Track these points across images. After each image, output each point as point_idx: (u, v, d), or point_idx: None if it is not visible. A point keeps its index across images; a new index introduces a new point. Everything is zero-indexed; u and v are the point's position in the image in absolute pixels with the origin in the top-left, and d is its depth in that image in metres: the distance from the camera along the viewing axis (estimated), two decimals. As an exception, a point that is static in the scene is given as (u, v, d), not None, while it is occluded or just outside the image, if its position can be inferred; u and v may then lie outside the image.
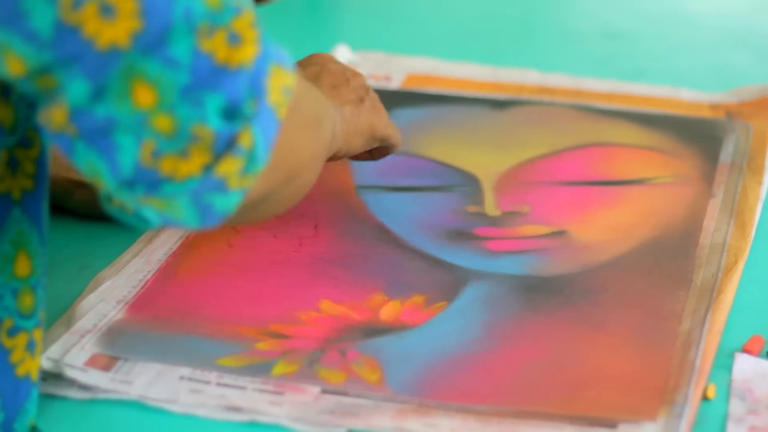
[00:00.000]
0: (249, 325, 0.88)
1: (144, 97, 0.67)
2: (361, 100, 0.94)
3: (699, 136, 1.12)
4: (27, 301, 0.78)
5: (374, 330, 0.88)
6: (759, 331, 0.88)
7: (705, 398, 0.82)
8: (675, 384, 0.82)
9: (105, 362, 0.85)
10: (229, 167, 0.71)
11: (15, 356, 0.77)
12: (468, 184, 1.06)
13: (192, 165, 0.70)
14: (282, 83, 0.73)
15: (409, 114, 1.18)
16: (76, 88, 0.66)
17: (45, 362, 0.84)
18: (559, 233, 0.99)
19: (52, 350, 0.85)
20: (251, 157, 0.71)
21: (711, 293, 0.91)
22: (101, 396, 0.82)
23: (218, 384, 0.83)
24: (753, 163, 1.08)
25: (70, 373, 0.83)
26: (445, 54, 1.29)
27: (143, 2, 0.66)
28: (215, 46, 0.68)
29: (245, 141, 0.71)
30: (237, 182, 0.72)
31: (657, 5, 1.43)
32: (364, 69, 1.26)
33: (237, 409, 0.81)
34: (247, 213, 0.78)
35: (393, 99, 1.21)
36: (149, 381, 0.83)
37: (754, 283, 0.93)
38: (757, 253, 0.97)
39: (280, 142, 0.74)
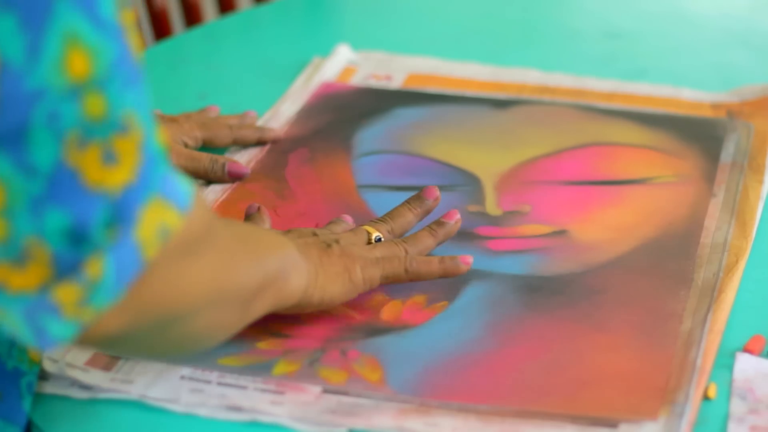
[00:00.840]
0: (250, 325, 0.88)
1: None
2: (329, 246, 0.88)
3: (700, 135, 1.12)
4: None
5: (375, 329, 0.88)
6: (760, 331, 0.88)
7: (706, 398, 0.82)
8: (676, 383, 0.82)
9: (106, 362, 0.85)
10: (67, 294, 0.64)
11: None
12: (469, 183, 1.06)
13: (27, 280, 0.63)
14: (160, 221, 0.66)
15: (410, 113, 1.18)
16: None
17: (45, 362, 0.84)
18: (560, 233, 0.99)
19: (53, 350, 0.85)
20: (96, 290, 0.64)
21: (712, 293, 0.91)
22: (102, 395, 0.83)
23: (219, 383, 0.83)
24: (754, 162, 1.08)
25: (71, 372, 0.83)
26: (446, 53, 1.29)
27: (3, 91, 0.60)
28: (86, 161, 0.62)
29: (92, 270, 0.64)
30: (72, 312, 0.64)
31: (658, 5, 1.43)
32: (365, 68, 1.26)
33: (238, 409, 0.81)
34: (114, 347, 0.72)
35: (394, 98, 1.21)
36: (150, 380, 0.83)
37: (755, 282, 0.93)
38: (758, 252, 0.97)
39: (150, 284, 0.66)
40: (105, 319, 0.66)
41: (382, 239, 0.92)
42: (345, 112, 1.18)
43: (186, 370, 0.84)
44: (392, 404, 0.81)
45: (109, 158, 0.63)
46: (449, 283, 0.93)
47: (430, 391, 0.82)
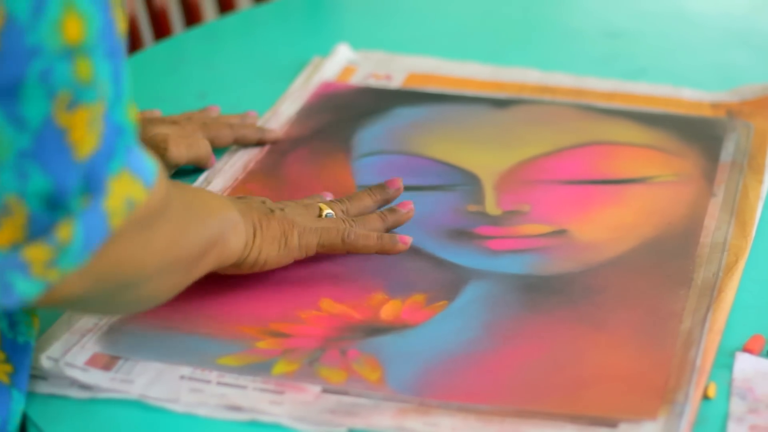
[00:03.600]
0: (249, 324, 0.89)
1: None
2: (271, 211, 0.91)
3: (700, 135, 1.12)
4: None
5: (375, 329, 0.88)
6: (759, 330, 0.88)
7: (705, 397, 0.82)
8: (675, 383, 0.82)
9: (105, 361, 0.85)
10: (37, 254, 0.67)
11: None
12: (469, 183, 1.06)
13: (1, 237, 0.66)
14: (127, 193, 0.69)
15: (409, 113, 1.18)
16: None
17: (45, 361, 0.84)
18: (560, 232, 0.99)
19: (53, 349, 0.85)
20: (64, 252, 0.68)
21: (711, 292, 0.91)
22: (102, 395, 0.83)
23: (219, 383, 0.83)
24: (754, 162, 1.08)
25: (71, 372, 0.83)
26: (446, 53, 1.29)
27: (3, 44, 0.63)
28: (73, 122, 0.65)
29: (63, 234, 0.67)
30: (41, 271, 0.68)
31: (658, 4, 1.43)
32: (365, 68, 1.26)
33: (237, 409, 0.81)
34: (68, 306, 0.76)
35: (394, 98, 1.21)
36: (150, 380, 0.83)
37: (755, 282, 0.93)
38: (757, 252, 0.97)
39: (112, 252, 0.70)
40: (68, 281, 0.69)
41: (333, 216, 0.95)
42: (345, 112, 1.18)
43: (185, 370, 0.84)
44: (392, 404, 0.81)
45: (94, 123, 0.66)
46: (449, 283, 0.93)
47: (429, 391, 0.82)
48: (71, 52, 0.65)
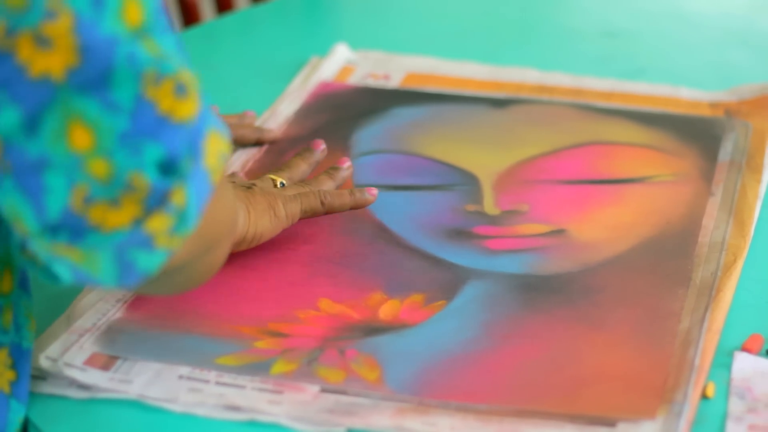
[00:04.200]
0: (248, 324, 0.89)
1: (80, 138, 0.66)
2: (249, 187, 0.94)
3: (698, 134, 1.12)
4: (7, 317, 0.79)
5: (373, 329, 0.88)
6: (758, 330, 0.88)
7: (704, 397, 0.82)
8: (674, 383, 0.82)
9: (104, 361, 0.85)
10: (159, 224, 0.69)
11: None
12: (467, 182, 1.06)
13: (122, 216, 0.68)
14: (219, 149, 0.72)
15: (408, 113, 1.18)
16: (6, 116, 0.65)
17: (44, 361, 0.84)
18: (559, 232, 0.99)
19: (51, 349, 0.85)
20: (182, 218, 0.70)
21: (710, 292, 0.91)
22: (100, 395, 0.82)
23: (217, 383, 0.83)
24: (752, 161, 1.08)
25: (69, 372, 0.83)
26: (444, 53, 1.29)
27: (82, 39, 0.65)
28: (161, 94, 0.67)
29: (178, 199, 0.69)
30: (165, 241, 0.70)
31: (656, 4, 1.43)
32: (363, 68, 1.26)
33: (236, 408, 0.81)
34: (161, 281, 0.76)
35: (392, 98, 1.21)
36: (148, 380, 0.83)
37: (753, 281, 0.93)
38: (756, 251, 0.97)
39: (208, 210, 0.73)
40: (184, 246, 0.72)
41: (286, 185, 0.99)
42: (343, 112, 1.18)
43: (184, 370, 0.84)
44: (390, 403, 0.81)
45: (181, 90, 0.68)
46: (447, 283, 0.93)
47: (428, 391, 0.82)
48: (138, 34, 0.67)
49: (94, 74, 0.65)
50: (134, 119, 0.67)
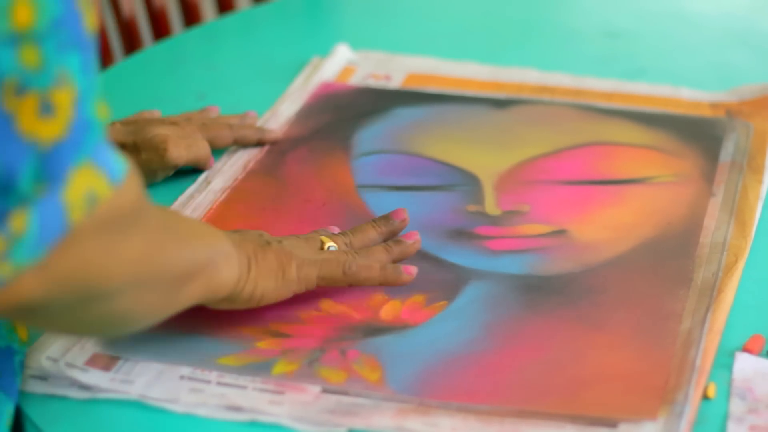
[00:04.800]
0: (249, 324, 0.88)
1: None
2: (268, 243, 0.88)
3: (699, 135, 1.12)
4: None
5: (374, 329, 0.88)
6: (759, 330, 0.88)
7: (705, 397, 0.82)
8: (675, 383, 0.82)
9: (105, 362, 0.85)
10: None
11: None
12: (468, 183, 1.06)
13: None
14: (88, 186, 0.66)
15: (409, 113, 1.18)
16: None
17: (45, 362, 0.84)
18: (560, 232, 0.99)
19: (53, 350, 0.85)
20: (18, 244, 0.65)
21: (711, 292, 0.91)
22: (101, 396, 0.83)
23: (218, 383, 0.83)
24: (753, 162, 1.08)
25: (71, 372, 0.83)
26: (445, 53, 1.29)
27: None
28: (21, 108, 0.63)
29: (16, 224, 0.64)
30: None
31: (657, 4, 1.43)
32: (364, 68, 1.26)
33: (237, 409, 0.81)
34: (35, 318, 0.71)
35: (393, 98, 1.21)
36: (149, 380, 0.83)
37: (755, 282, 0.93)
38: (757, 252, 0.97)
39: (73, 253, 0.67)
40: (23, 281, 0.66)
41: (336, 249, 0.92)
42: (344, 112, 1.18)
43: (185, 370, 0.84)
44: (391, 404, 0.81)
45: (46, 109, 0.64)
46: (449, 283, 0.93)
47: (429, 391, 0.82)
48: (19, 38, 0.63)
49: None
50: None
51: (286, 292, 0.88)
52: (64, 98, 0.65)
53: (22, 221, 0.64)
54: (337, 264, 0.89)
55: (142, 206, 0.72)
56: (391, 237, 0.96)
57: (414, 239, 0.94)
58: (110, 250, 0.70)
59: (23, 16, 0.63)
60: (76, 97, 0.65)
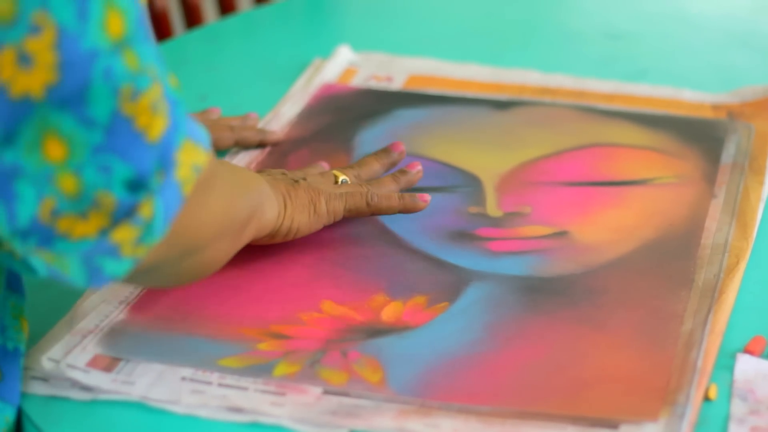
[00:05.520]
0: (250, 326, 0.89)
1: (54, 150, 0.67)
2: (296, 181, 0.95)
3: (701, 136, 1.12)
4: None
5: (376, 330, 0.88)
6: (761, 332, 0.88)
7: (706, 399, 0.82)
8: (676, 384, 0.82)
9: (107, 363, 0.85)
10: (125, 235, 0.71)
11: None
12: (470, 184, 1.06)
13: (89, 227, 0.70)
14: (192, 160, 0.73)
15: (410, 114, 1.18)
16: None
17: (46, 363, 0.84)
18: (561, 234, 0.99)
19: (54, 351, 0.85)
20: (148, 228, 0.72)
21: (713, 294, 0.91)
22: (103, 397, 0.83)
23: (220, 385, 0.83)
24: (755, 163, 1.08)
25: (72, 373, 0.83)
26: (446, 55, 1.29)
27: (63, 55, 0.66)
28: (138, 111, 0.69)
29: (145, 212, 0.71)
30: (130, 250, 0.72)
31: (659, 6, 1.43)
32: (365, 70, 1.26)
33: (239, 410, 0.81)
34: (139, 278, 0.79)
35: (394, 100, 1.21)
36: (151, 382, 0.83)
37: (756, 283, 0.93)
38: (758, 253, 0.97)
39: (180, 218, 0.74)
40: (149, 253, 0.73)
41: (349, 182, 0.99)
42: (346, 114, 1.18)
43: (187, 372, 0.84)
44: (393, 405, 0.81)
45: (155, 107, 0.70)
46: (450, 284, 0.93)
47: (430, 393, 0.82)
48: (119, 47, 0.68)
49: (72, 90, 0.66)
50: (109, 135, 0.68)
51: (317, 225, 0.95)
52: (159, 92, 0.70)
53: (150, 208, 0.71)
54: (361, 196, 0.96)
55: (213, 163, 0.78)
56: (392, 168, 1.04)
57: (417, 169, 1.02)
58: (203, 208, 0.77)
59: (116, 26, 0.67)
60: (161, 85, 0.71)
